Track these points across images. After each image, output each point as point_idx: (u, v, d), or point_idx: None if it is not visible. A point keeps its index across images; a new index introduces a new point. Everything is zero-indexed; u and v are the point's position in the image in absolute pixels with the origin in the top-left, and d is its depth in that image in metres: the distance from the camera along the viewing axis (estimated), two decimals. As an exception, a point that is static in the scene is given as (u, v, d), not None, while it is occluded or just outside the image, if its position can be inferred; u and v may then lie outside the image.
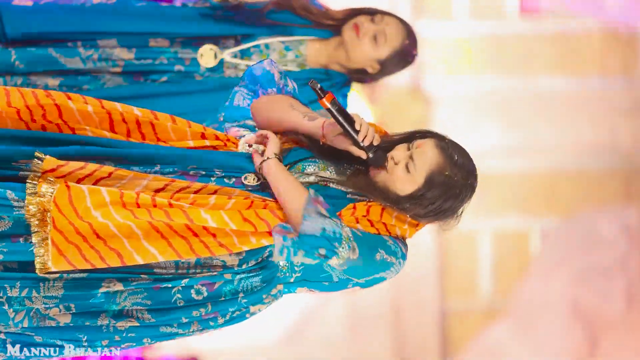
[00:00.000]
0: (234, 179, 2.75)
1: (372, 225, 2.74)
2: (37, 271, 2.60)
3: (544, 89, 8.45)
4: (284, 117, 2.78)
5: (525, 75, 8.51)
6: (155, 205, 2.58)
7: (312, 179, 2.77)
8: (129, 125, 2.74)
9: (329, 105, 2.60)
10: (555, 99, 8.42)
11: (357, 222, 2.71)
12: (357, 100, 7.82)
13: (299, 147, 2.80)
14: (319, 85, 2.60)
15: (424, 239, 8.44)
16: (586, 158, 8.50)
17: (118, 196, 2.57)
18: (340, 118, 2.62)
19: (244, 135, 2.83)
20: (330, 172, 2.79)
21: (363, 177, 2.77)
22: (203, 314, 2.72)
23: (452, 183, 2.69)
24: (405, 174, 2.68)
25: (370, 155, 2.66)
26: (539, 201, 8.53)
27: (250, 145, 2.76)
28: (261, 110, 2.85)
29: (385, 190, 2.72)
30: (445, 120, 8.51)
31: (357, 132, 2.64)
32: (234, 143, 2.80)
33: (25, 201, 2.58)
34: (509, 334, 8.05)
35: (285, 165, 2.74)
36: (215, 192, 2.67)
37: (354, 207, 2.72)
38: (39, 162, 2.59)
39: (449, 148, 2.72)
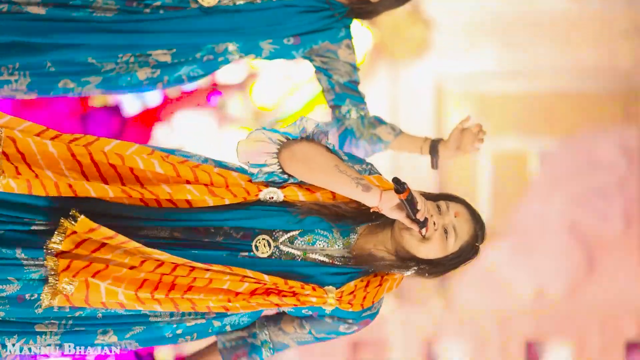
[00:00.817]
0: (244, 253, 2.80)
1: (362, 307, 2.83)
2: (41, 305, 2.71)
3: (544, 10, 8.41)
4: (331, 181, 2.76)
5: (524, -3, 8.62)
6: (167, 295, 2.71)
7: (317, 256, 2.81)
8: (145, 197, 2.76)
9: (404, 199, 2.64)
10: (555, 20, 8.41)
11: (351, 307, 2.81)
12: (357, 24, 7.93)
13: (312, 215, 2.82)
14: (401, 182, 2.62)
15: (423, 161, 8.22)
16: (585, 79, 8.53)
17: (133, 297, 2.67)
18: (409, 207, 2.66)
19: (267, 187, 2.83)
20: (338, 247, 2.83)
21: (373, 242, 2.86)
22: (188, 340, 2.90)
23: (476, 251, 2.83)
24: (443, 240, 2.76)
25: (421, 227, 2.72)
26: (538, 122, 8.56)
27: (271, 198, 2.78)
28: (295, 162, 2.79)
29: (406, 254, 2.79)
30: (445, 42, 8.54)
31: (417, 211, 2.68)
32: (256, 196, 2.79)
33: (45, 256, 2.65)
34: (508, 254, 8.21)
35: (299, 231, 2.80)
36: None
37: (354, 294, 2.80)
38: (73, 221, 2.62)
39: (479, 219, 2.83)
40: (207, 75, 3.60)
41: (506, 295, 8.32)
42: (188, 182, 2.77)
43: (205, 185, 2.77)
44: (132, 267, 2.69)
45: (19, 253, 2.65)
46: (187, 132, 7.94)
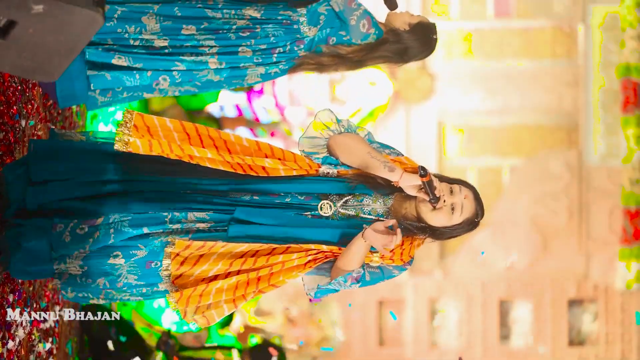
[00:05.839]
0: (307, 213, 2.95)
1: (403, 262, 2.98)
2: (162, 271, 2.90)
3: (513, 67, 9.31)
4: (366, 164, 2.90)
5: (499, 59, 9.37)
6: (256, 289, 2.92)
7: (367, 215, 2.94)
8: (233, 161, 2.89)
9: (425, 181, 2.81)
10: (520, 75, 9.30)
11: (393, 262, 2.97)
12: (383, 76, 8.55)
13: (360, 183, 2.96)
14: (425, 169, 2.79)
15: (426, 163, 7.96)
16: (541, 116, 9.35)
17: (231, 300, 2.89)
18: (428, 187, 2.83)
19: (324, 164, 3.00)
20: (380, 204, 2.96)
21: (405, 206, 2.98)
22: None
23: (476, 225, 2.99)
24: (449, 213, 2.89)
25: (433, 201, 2.87)
26: (509, 147, 9.31)
27: (327, 173, 2.95)
28: (339, 150, 2.95)
29: (423, 221, 2.93)
30: (444, 90, 9.26)
31: (435, 188, 2.86)
32: (316, 171, 2.96)
33: (166, 270, 2.88)
34: (488, 237, 9.06)
35: (351, 195, 2.94)
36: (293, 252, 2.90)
37: (393, 252, 2.94)
38: (172, 245, 2.81)
39: (481, 202, 2.97)
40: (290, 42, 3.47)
41: (486, 267, 9.04)
42: (266, 155, 2.93)
43: (279, 158, 2.92)
44: (227, 274, 2.86)
45: (145, 230, 2.85)
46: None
